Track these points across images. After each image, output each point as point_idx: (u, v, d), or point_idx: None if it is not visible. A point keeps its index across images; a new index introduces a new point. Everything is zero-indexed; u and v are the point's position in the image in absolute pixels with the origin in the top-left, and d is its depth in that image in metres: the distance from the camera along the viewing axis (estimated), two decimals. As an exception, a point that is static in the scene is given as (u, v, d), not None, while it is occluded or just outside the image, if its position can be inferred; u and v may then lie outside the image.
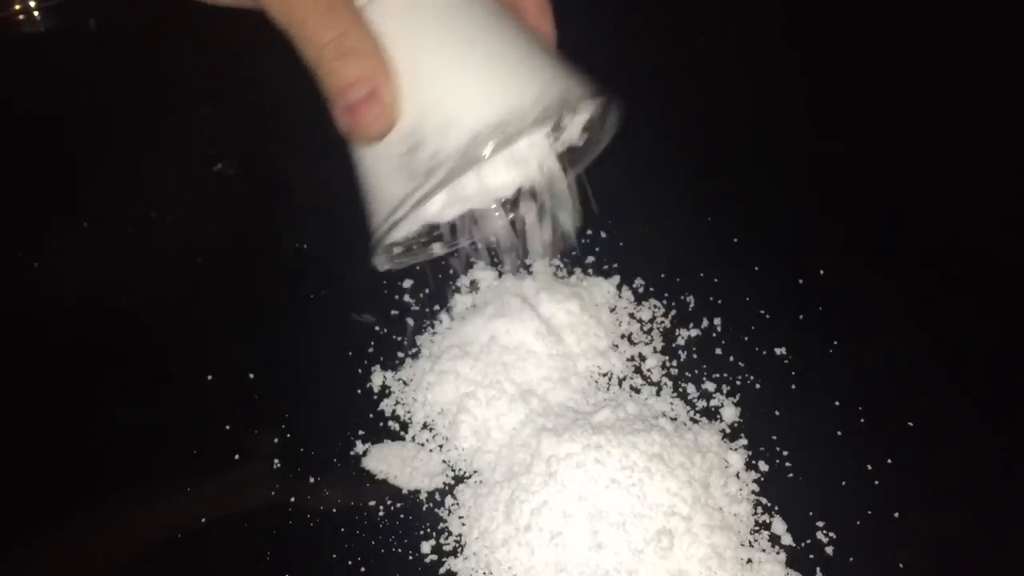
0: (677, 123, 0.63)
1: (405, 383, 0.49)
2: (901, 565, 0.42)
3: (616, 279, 0.53)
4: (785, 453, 0.46)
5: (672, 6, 0.70)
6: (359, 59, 0.35)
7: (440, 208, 0.42)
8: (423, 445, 0.46)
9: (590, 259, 0.55)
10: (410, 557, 0.42)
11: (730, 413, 0.48)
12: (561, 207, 0.44)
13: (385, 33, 0.35)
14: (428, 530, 0.43)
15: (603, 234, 0.56)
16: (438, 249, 0.45)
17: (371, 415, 0.48)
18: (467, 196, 0.41)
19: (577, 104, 0.37)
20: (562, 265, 0.54)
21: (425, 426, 0.47)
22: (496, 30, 0.37)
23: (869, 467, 0.45)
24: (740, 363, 0.50)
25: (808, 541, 0.43)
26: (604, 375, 0.49)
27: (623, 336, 0.51)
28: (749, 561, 0.42)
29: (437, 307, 0.53)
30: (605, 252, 0.55)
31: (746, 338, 0.51)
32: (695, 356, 0.50)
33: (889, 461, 0.45)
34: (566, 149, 0.43)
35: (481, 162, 0.34)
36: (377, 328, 0.51)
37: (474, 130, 0.34)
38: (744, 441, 0.47)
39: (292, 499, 0.44)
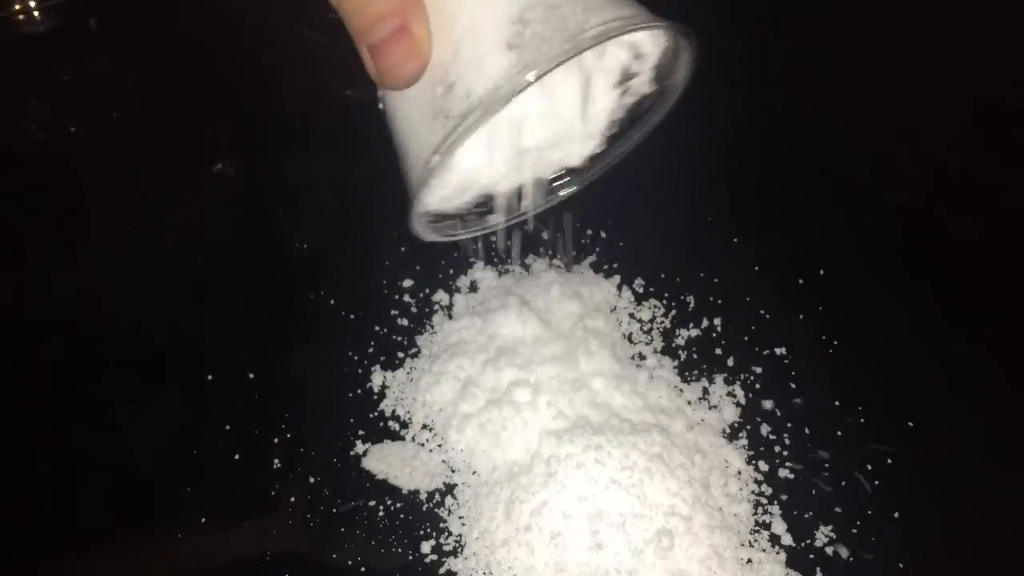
0: (677, 123, 0.63)
1: (405, 383, 0.49)
2: (901, 565, 0.42)
3: (616, 279, 0.54)
4: (785, 453, 0.46)
5: (672, 7, 0.70)
6: None
7: (499, 177, 0.38)
8: (423, 445, 0.46)
9: (590, 259, 0.55)
10: (410, 557, 0.42)
11: (730, 413, 0.48)
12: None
13: None
14: (428, 530, 0.43)
15: (603, 234, 0.56)
16: (494, 220, 0.41)
17: (371, 415, 0.48)
18: (528, 163, 0.38)
19: (633, 28, 0.32)
20: (562, 265, 0.54)
21: (425, 426, 0.47)
22: None
23: (869, 467, 0.45)
24: (740, 363, 0.50)
25: (808, 541, 0.43)
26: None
27: (623, 336, 0.51)
28: (749, 561, 0.42)
29: (437, 307, 0.53)
30: (605, 252, 0.55)
31: (746, 338, 0.51)
32: (695, 356, 0.50)
33: (889, 461, 0.45)
34: (638, 100, 0.39)
35: (521, 92, 0.30)
36: (377, 328, 0.51)
37: (511, 58, 0.31)
38: (744, 441, 0.47)
39: (292, 499, 0.44)
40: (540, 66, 0.30)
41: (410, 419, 0.47)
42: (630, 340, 0.51)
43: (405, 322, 0.52)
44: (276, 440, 0.47)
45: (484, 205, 0.40)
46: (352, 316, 0.52)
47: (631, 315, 0.52)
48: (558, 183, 0.41)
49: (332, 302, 0.52)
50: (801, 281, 0.53)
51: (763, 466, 0.46)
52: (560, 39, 0.31)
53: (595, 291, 0.52)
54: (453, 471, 0.45)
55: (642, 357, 0.50)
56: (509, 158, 0.37)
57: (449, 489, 0.45)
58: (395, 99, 0.34)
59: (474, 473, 0.45)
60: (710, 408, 0.48)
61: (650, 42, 0.37)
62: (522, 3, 0.32)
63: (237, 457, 0.46)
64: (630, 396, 0.46)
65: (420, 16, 0.32)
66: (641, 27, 0.33)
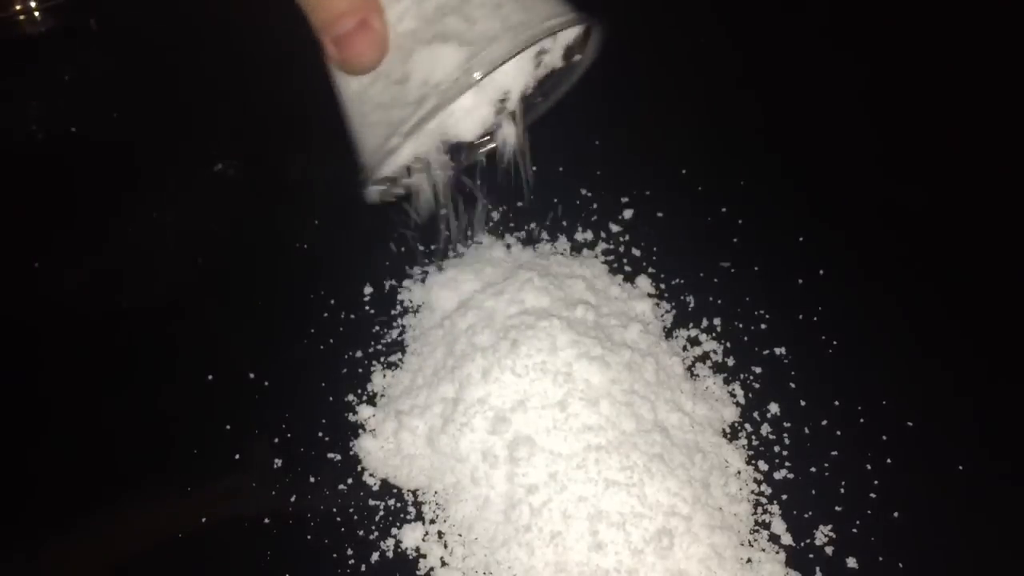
0: (677, 123, 0.63)
1: (405, 383, 0.49)
2: (901, 565, 0.42)
3: (619, 279, 0.53)
4: (785, 453, 0.46)
5: (674, 7, 0.70)
6: None
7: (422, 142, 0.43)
8: (423, 444, 0.46)
9: (593, 253, 0.55)
10: (410, 557, 0.42)
11: (730, 413, 0.48)
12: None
13: None
14: (428, 530, 0.43)
15: (603, 234, 0.56)
16: (420, 176, 0.45)
17: (371, 414, 0.48)
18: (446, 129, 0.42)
19: (565, 28, 0.37)
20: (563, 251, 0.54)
21: (425, 424, 0.47)
22: None
23: (869, 467, 0.45)
24: (740, 363, 0.50)
25: (808, 541, 0.43)
26: (604, 375, 0.49)
27: (623, 335, 0.51)
28: (749, 561, 0.42)
29: (435, 307, 0.53)
30: (606, 251, 0.55)
31: (746, 338, 0.51)
32: (694, 354, 0.50)
33: (889, 461, 0.46)
34: (548, 73, 0.44)
35: (472, 87, 0.35)
36: (377, 328, 0.51)
37: (463, 56, 0.35)
38: (744, 441, 0.47)
39: (292, 498, 0.44)
40: (490, 63, 0.35)
41: (410, 419, 0.47)
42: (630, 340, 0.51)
43: (405, 322, 0.52)
44: (276, 440, 0.47)
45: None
46: (352, 316, 0.52)
47: (631, 316, 0.52)
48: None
49: (332, 302, 0.52)
50: (801, 281, 0.53)
51: (763, 466, 0.46)
52: (507, 37, 0.35)
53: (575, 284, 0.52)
54: (453, 470, 0.45)
55: (642, 357, 0.50)
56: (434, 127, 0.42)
57: (449, 489, 0.45)
58: (353, 85, 0.38)
59: (475, 472, 0.45)
60: (710, 408, 0.48)
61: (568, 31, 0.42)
62: (469, 2, 0.36)
63: (237, 457, 0.46)
64: (630, 396, 0.46)
65: (378, 12, 0.35)
66: (573, 24, 0.38)
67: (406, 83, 0.36)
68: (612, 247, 0.55)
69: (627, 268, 0.54)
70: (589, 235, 0.56)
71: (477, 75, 0.35)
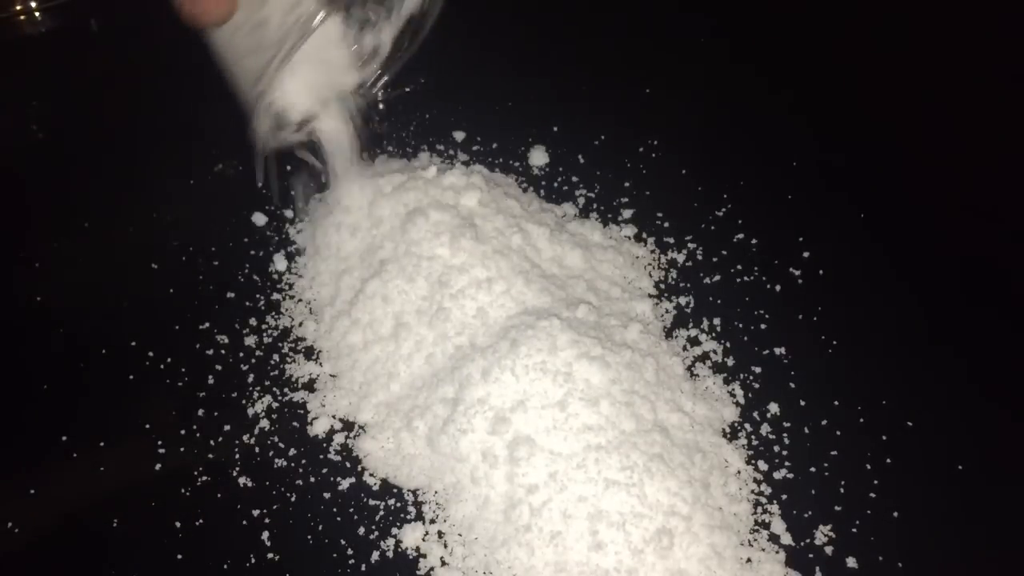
0: (676, 122, 0.63)
1: (408, 387, 0.49)
2: (900, 565, 0.42)
3: (619, 275, 0.53)
4: (785, 453, 0.46)
5: (676, 8, 0.70)
6: None
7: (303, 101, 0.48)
8: (423, 444, 0.46)
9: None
10: (410, 557, 0.42)
11: (730, 413, 0.48)
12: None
13: None
14: (428, 530, 0.43)
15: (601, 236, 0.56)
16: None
17: (372, 414, 0.48)
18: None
19: None
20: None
21: (425, 425, 0.47)
22: None
23: (869, 467, 0.45)
24: (740, 363, 0.50)
25: (808, 541, 0.43)
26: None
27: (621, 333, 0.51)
28: (749, 560, 0.42)
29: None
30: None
31: (746, 338, 0.51)
32: (695, 356, 0.50)
33: (889, 461, 0.46)
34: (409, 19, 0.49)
35: (318, 27, 0.40)
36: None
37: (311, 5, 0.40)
38: (744, 441, 0.47)
39: (292, 498, 0.44)
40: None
41: (411, 419, 0.47)
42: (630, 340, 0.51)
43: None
44: (277, 439, 0.47)
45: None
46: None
47: (631, 316, 0.52)
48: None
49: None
50: (801, 281, 0.53)
51: (763, 466, 0.46)
52: None
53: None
54: (453, 470, 0.45)
55: (642, 357, 0.50)
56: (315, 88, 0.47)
57: (449, 488, 0.45)
58: (221, 40, 0.42)
59: (474, 472, 0.45)
60: (710, 408, 0.48)
61: None
62: None
63: (237, 456, 0.46)
64: (630, 396, 0.46)
65: None
66: None
67: (266, 26, 0.40)
68: (614, 245, 0.55)
69: (627, 270, 0.54)
70: (598, 236, 0.56)
71: (318, 21, 0.39)
